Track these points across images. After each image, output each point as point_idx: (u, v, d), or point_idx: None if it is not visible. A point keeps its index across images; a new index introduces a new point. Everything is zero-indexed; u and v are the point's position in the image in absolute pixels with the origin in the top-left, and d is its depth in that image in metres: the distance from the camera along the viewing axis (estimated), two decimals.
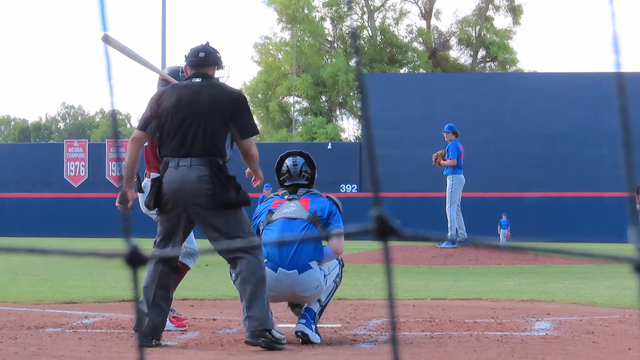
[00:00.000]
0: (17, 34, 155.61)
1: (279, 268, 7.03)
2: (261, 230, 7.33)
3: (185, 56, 7.17)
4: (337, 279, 7.43)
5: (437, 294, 11.24)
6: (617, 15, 1.30)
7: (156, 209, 6.90)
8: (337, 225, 7.40)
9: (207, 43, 7.22)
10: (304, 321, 7.06)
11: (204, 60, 7.08)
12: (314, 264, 7.15)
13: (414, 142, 35.90)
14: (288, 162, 7.62)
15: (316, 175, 7.66)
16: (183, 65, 7.25)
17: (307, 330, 7.01)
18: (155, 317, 6.81)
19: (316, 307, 7.19)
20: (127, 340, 7.16)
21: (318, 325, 7.20)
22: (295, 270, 7.06)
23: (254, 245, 6.81)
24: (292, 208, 7.34)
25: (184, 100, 6.91)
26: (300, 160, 7.62)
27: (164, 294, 6.90)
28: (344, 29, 61.70)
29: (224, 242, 6.67)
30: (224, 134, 6.89)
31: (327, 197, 7.53)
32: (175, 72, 8.25)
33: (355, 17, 59.33)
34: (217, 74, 7.18)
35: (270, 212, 7.35)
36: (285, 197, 7.45)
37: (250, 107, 7.48)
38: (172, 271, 6.98)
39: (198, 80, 7.01)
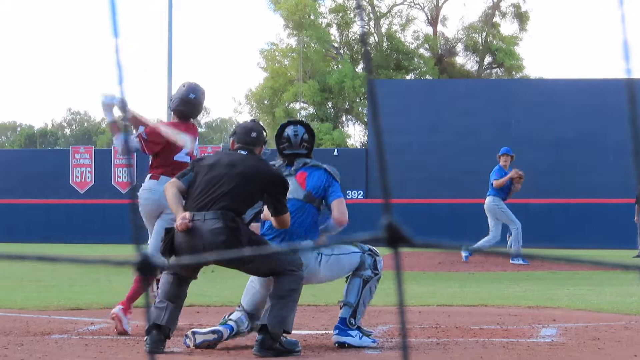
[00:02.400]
0: (23, 39, 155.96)
1: None
2: (263, 210, 7.30)
3: (235, 131, 7.32)
4: (366, 274, 7.27)
5: (443, 301, 11.22)
6: (627, 20, 1.29)
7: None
8: (335, 196, 7.37)
9: (256, 120, 7.39)
10: (337, 331, 7.17)
11: (255, 140, 7.25)
12: (307, 243, 7.17)
13: (420, 148, 35.85)
14: (289, 130, 7.55)
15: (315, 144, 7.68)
16: (230, 140, 7.38)
17: (342, 339, 7.12)
18: (173, 310, 6.89)
19: (346, 313, 7.21)
20: (134, 346, 7.16)
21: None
22: None
23: (291, 267, 6.84)
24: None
25: (222, 162, 7.03)
26: (301, 130, 7.56)
27: (179, 293, 7.00)
28: (350, 36, 61.74)
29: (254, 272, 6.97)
30: (250, 200, 6.94)
31: (324, 168, 7.47)
32: (187, 92, 8.30)
33: (362, 23, 59.22)
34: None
35: None
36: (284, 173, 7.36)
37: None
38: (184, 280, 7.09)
39: (243, 152, 7.16)
